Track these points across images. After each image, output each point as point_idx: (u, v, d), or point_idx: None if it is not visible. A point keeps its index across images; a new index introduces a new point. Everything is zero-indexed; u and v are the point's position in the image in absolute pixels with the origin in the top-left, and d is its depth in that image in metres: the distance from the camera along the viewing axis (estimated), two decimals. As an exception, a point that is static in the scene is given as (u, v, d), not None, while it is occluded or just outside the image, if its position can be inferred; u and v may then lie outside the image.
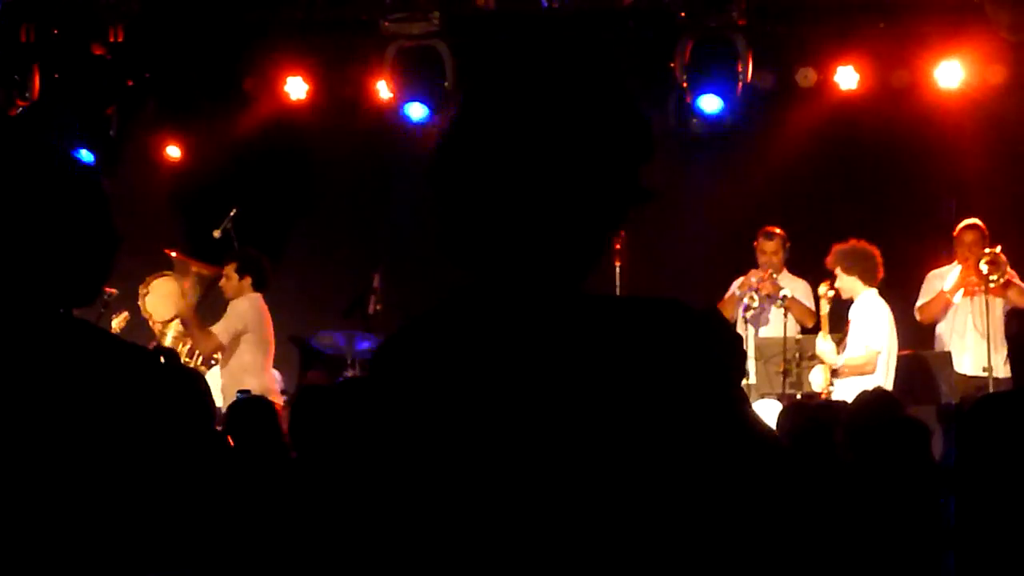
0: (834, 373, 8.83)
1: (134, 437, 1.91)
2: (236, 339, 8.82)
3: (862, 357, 8.80)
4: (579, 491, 1.66)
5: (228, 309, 9.00)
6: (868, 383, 8.41)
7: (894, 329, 8.95)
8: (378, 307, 10.10)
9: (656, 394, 1.68)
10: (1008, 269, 8.90)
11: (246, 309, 8.87)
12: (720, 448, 1.69)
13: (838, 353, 8.89)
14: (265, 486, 4.29)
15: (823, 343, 8.89)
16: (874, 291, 8.94)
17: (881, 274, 8.98)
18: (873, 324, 8.85)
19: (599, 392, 1.68)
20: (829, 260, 9.02)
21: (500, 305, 1.75)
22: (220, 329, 8.83)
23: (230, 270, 9.00)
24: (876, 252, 8.99)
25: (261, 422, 5.49)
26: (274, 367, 9.43)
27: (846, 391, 8.25)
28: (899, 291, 9.48)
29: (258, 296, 8.99)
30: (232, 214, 9.96)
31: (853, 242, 9.02)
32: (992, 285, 8.83)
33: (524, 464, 1.68)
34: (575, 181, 1.73)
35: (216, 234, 9.93)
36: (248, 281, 8.97)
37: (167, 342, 9.31)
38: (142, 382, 1.95)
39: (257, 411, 5.65)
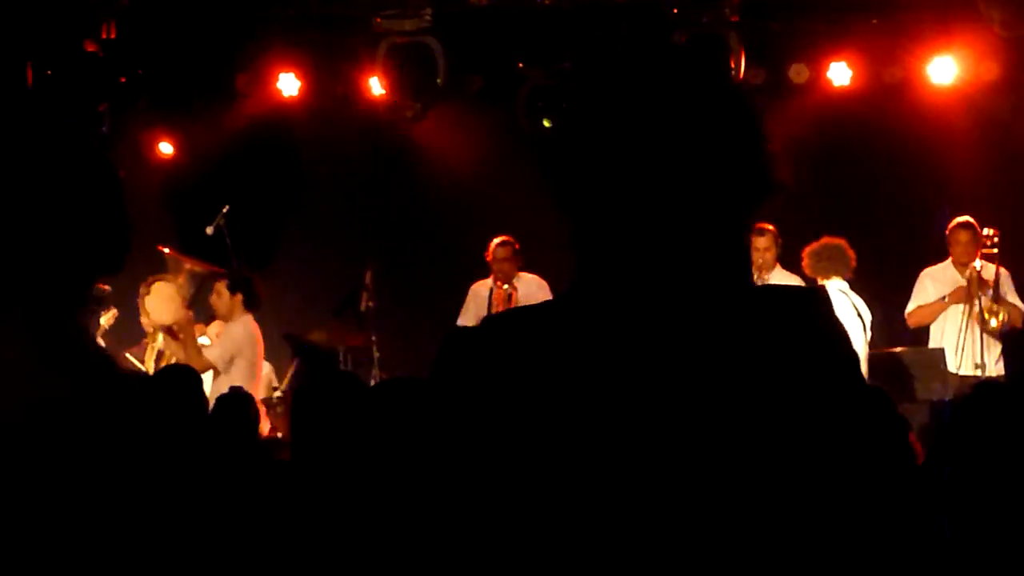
0: None
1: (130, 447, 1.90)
2: (229, 363, 8.74)
3: None
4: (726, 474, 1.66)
5: (223, 333, 8.93)
6: None
7: (853, 321, 8.82)
8: (370, 304, 10.09)
9: (798, 383, 1.69)
10: (1010, 299, 8.93)
11: (240, 334, 8.77)
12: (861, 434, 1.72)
13: None
14: (244, 482, 4.27)
15: None
16: (833, 283, 8.76)
17: (853, 264, 8.87)
18: None
19: (740, 378, 1.68)
20: (803, 266, 8.97)
21: (635, 298, 1.73)
22: (215, 354, 8.73)
23: (221, 287, 8.90)
24: (842, 242, 8.90)
25: (240, 418, 5.46)
26: (266, 362, 9.42)
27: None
28: (891, 288, 9.48)
29: (250, 317, 8.91)
30: (224, 211, 9.95)
31: (820, 241, 8.97)
32: (993, 326, 8.85)
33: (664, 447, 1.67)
34: (709, 174, 1.72)
35: (209, 231, 9.92)
36: (239, 299, 8.85)
37: (157, 344, 9.21)
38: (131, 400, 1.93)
39: (236, 407, 5.61)
